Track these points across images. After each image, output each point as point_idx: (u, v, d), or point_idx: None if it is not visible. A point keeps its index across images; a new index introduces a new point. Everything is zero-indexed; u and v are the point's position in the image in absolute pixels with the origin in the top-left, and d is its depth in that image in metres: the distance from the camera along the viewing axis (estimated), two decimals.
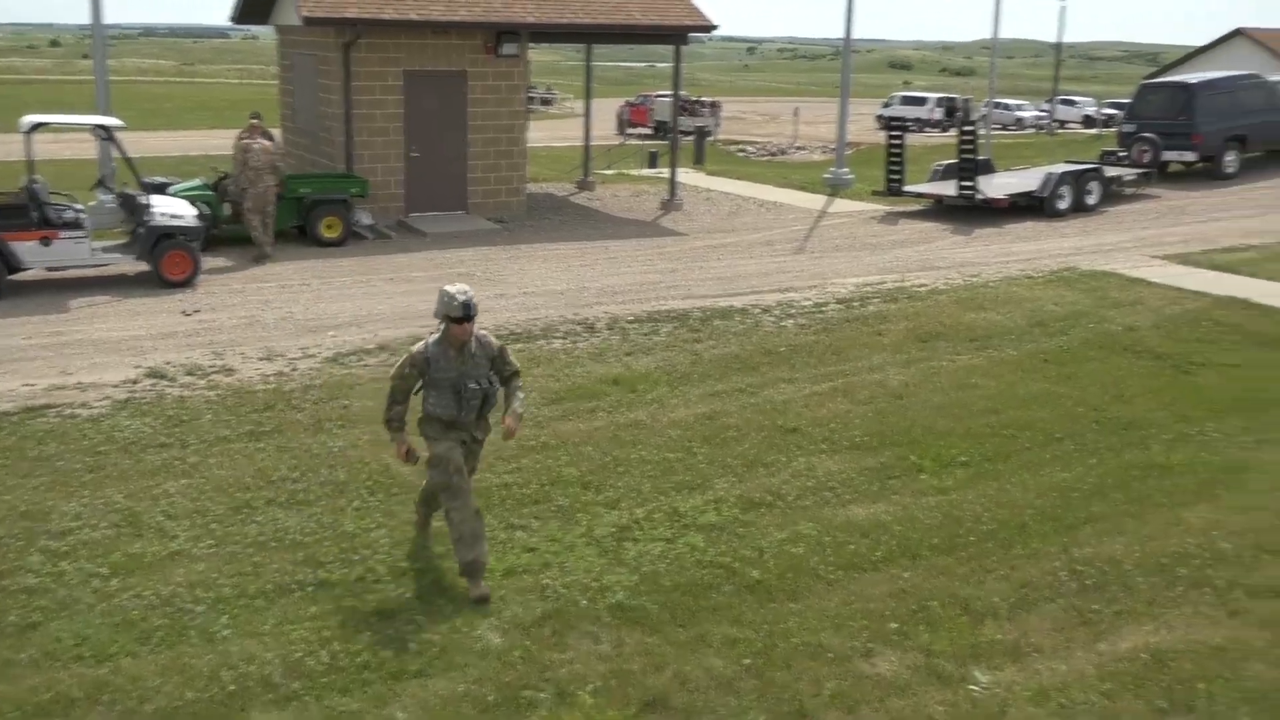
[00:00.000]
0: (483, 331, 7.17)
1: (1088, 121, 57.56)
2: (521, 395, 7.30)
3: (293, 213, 18.15)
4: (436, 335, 7.12)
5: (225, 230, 17.66)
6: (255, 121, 17.66)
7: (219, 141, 30.49)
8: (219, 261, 16.63)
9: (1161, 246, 18.17)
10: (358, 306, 14.21)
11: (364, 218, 19.13)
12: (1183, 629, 6.48)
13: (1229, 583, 7.04)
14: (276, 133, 20.77)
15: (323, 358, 11.94)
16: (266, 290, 15.12)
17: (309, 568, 7.33)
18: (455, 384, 7.05)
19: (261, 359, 11.87)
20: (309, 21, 18.93)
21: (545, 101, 61.41)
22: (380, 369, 11.50)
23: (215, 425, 9.85)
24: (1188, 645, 6.28)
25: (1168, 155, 25.37)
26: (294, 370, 11.49)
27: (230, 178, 17.57)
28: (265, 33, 26.75)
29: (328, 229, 18.26)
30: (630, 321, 13.50)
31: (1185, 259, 17.11)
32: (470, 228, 19.89)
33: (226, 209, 17.66)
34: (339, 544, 7.67)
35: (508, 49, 20.32)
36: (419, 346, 7.14)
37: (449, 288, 6.95)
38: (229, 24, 25.53)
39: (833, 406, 10.64)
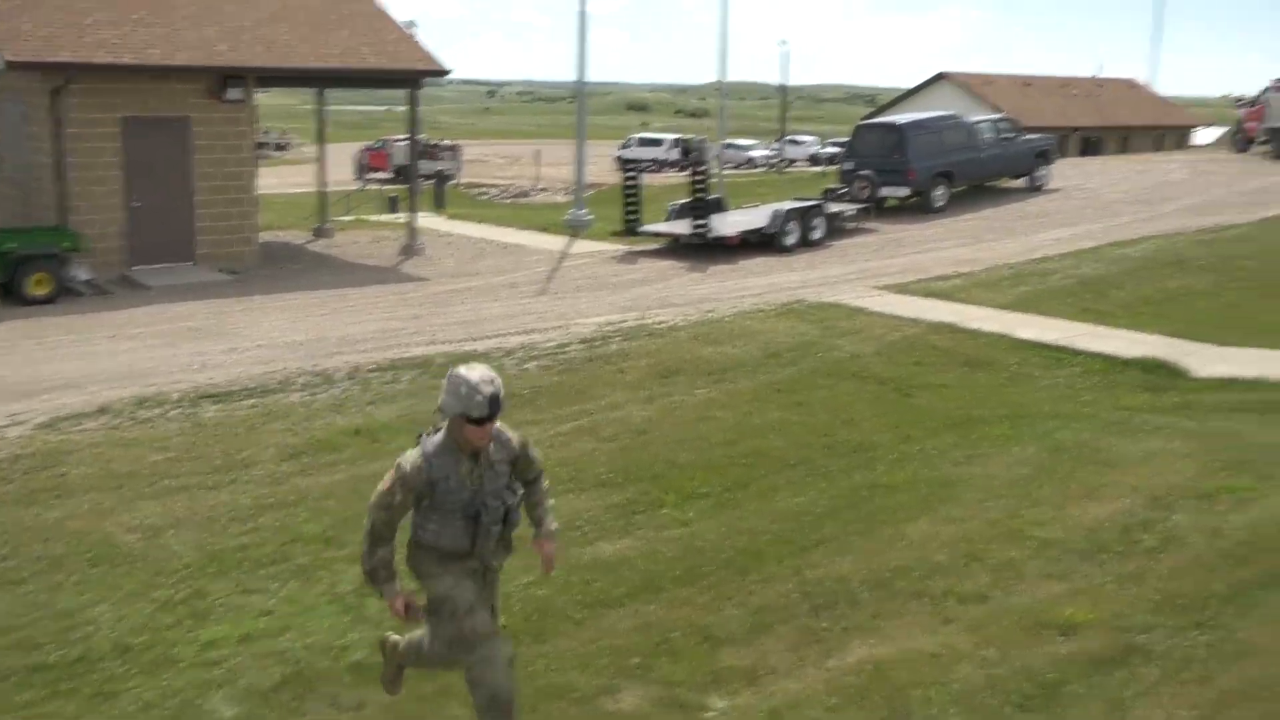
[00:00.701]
0: (498, 426, 5.14)
1: (814, 160, 60.63)
2: (551, 502, 5.62)
3: None
4: (437, 437, 5.05)
5: None
6: None
7: None
8: None
9: (881, 277, 19.28)
10: (75, 368, 13.37)
11: (81, 272, 18.06)
12: (902, 639, 6.88)
13: (943, 591, 7.52)
14: None
15: (35, 424, 11.16)
16: None
17: (21, 652, 6.82)
18: (469, 507, 5.09)
19: None
20: (13, 66, 17.83)
21: (279, 147, 59.86)
22: (102, 433, 10.88)
23: None
24: (905, 654, 6.67)
25: (884, 191, 26.95)
26: (1, 439, 10.70)
27: None
28: None
29: (36, 285, 17.19)
30: (371, 370, 13.26)
31: (903, 288, 18.22)
32: (199, 279, 19.12)
33: None
34: (56, 623, 7.18)
35: (233, 94, 19.71)
36: (413, 458, 4.99)
37: (466, 372, 4.87)
38: None
39: (578, 446, 10.76)
